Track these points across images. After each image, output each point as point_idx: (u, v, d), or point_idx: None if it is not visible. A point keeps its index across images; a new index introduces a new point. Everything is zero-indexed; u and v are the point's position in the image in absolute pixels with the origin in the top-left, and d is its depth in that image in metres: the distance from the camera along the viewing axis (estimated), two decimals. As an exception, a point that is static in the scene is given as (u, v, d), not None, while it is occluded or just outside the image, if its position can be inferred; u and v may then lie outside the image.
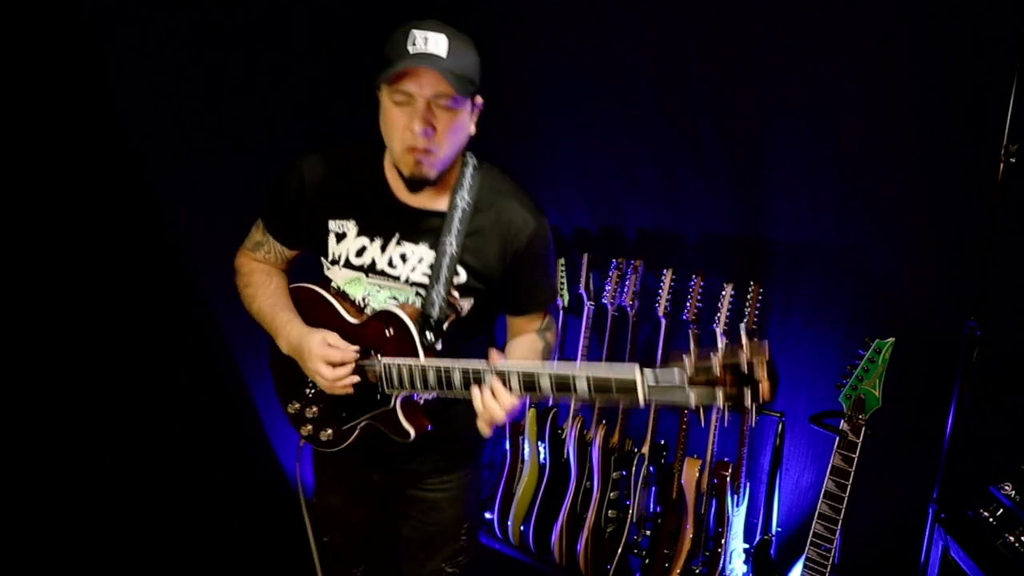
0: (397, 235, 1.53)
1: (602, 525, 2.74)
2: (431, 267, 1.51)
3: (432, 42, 1.37)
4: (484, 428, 1.36)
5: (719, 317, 2.43)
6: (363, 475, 1.77)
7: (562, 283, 2.97)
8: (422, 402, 1.57)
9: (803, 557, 2.08)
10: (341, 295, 1.59)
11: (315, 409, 1.63)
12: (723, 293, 2.43)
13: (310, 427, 1.65)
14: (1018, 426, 2.05)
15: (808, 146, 2.39)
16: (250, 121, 2.69)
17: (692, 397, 1.10)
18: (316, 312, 1.59)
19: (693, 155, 2.64)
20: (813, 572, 2.04)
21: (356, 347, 1.50)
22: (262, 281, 1.67)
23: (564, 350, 3.03)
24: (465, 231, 1.51)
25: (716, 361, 1.07)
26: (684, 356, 1.11)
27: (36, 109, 2.19)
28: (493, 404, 1.32)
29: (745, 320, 2.40)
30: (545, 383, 1.29)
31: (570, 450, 2.86)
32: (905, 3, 2.11)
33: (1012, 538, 1.76)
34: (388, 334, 1.48)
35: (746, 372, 1.05)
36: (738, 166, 2.57)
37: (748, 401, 1.05)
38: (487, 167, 1.60)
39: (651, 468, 2.64)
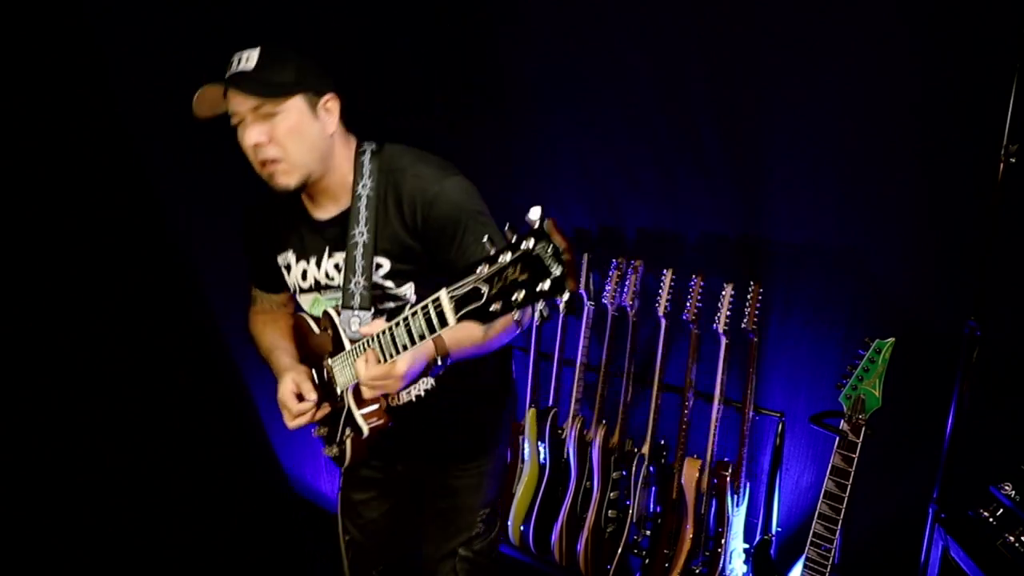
0: (327, 248, 1.58)
1: (602, 525, 2.74)
2: (345, 261, 1.53)
3: (244, 60, 1.41)
4: (365, 390, 1.38)
5: (719, 317, 2.43)
6: (387, 468, 1.82)
7: (562, 283, 2.97)
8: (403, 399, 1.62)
9: (803, 557, 2.08)
10: (315, 317, 1.66)
11: (324, 430, 1.68)
12: (723, 293, 2.43)
13: (325, 448, 1.70)
14: (1018, 426, 2.05)
15: (808, 146, 2.39)
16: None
17: (492, 302, 1.06)
18: (304, 336, 1.70)
19: (693, 155, 2.64)
20: (813, 572, 2.04)
21: (314, 392, 1.56)
22: (260, 329, 1.79)
23: (564, 350, 3.03)
24: (371, 218, 1.50)
25: (506, 256, 1.04)
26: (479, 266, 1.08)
27: (37, 109, 2.19)
28: (363, 372, 1.33)
29: (745, 320, 2.40)
30: (382, 337, 1.29)
31: (570, 450, 2.86)
32: (905, 3, 2.11)
33: (1012, 538, 1.76)
34: (328, 333, 1.55)
35: (531, 250, 1.00)
36: (738, 166, 2.57)
37: (545, 287, 0.99)
38: (387, 149, 1.56)
39: (651, 468, 2.64)
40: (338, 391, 1.55)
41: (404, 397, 1.65)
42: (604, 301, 2.78)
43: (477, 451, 1.80)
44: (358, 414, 1.51)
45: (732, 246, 2.65)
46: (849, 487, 1.95)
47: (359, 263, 1.51)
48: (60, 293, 2.32)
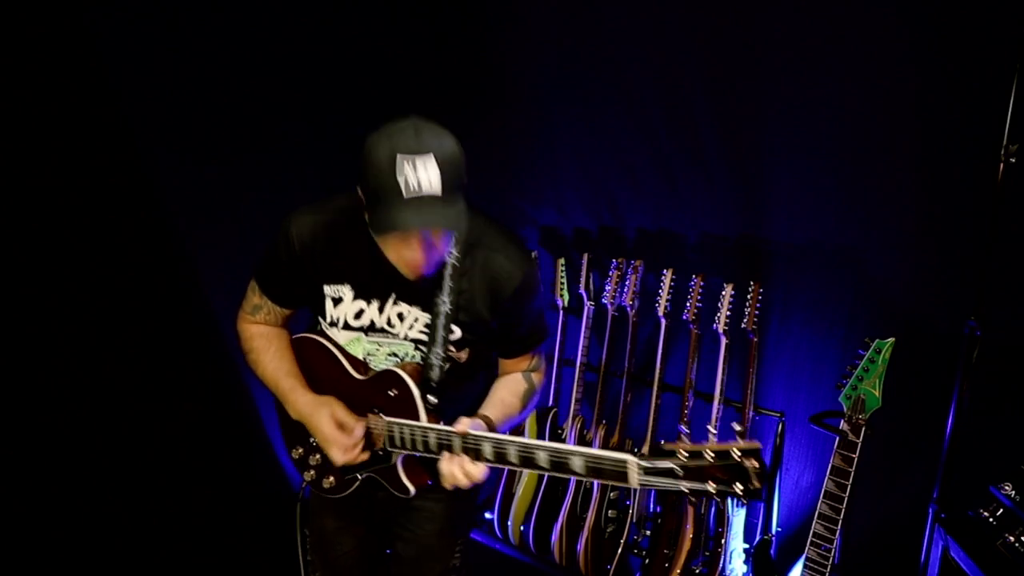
0: (393, 296, 1.55)
1: (602, 525, 2.74)
2: (427, 327, 1.53)
3: (424, 178, 1.28)
4: (446, 484, 1.45)
5: (719, 317, 2.43)
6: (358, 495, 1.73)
7: (562, 283, 2.97)
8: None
9: (803, 557, 2.08)
10: (344, 351, 1.62)
11: (318, 457, 1.66)
12: (723, 293, 2.43)
13: (313, 473, 1.68)
14: (1018, 426, 2.05)
15: (808, 146, 2.39)
16: (251, 121, 2.69)
17: (684, 486, 1.15)
18: (322, 366, 1.62)
19: (693, 155, 2.65)
20: (813, 572, 2.04)
21: (363, 426, 1.55)
22: (263, 347, 1.67)
23: (564, 350, 3.03)
24: (456, 289, 1.51)
25: (708, 455, 1.13)
26: (678, 445, 1.16)
27: (36, 109, 2.19)
28: (459, 473, 1.41)
29: (745, 320, 2.41)
30: (526, 459, 1.34)
31: (570, 450, 2.86)
32: (905, 3, 2.11)
33: (1012, 538, 1.76)
34: (392, 394, 1.52)
35: (736, 461, 1.11)
36: (738, 166, 2.57)
37: (738, 490, 1.11)
38: (471, 217, 1.44)
39: (651, 468, 2.63)
40: (382, 446, 1.55)
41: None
42: (604, 301, 2.78)
43: None
44: (406, 480, 1.55)
45: (732, 246, 2.65)
46: (849, 487, 1.95)
47: (440, 333, 1.52)
48: (60, 293, 2.32)
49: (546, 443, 1.31)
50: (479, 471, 1.39)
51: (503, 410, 1.57)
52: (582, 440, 2.85)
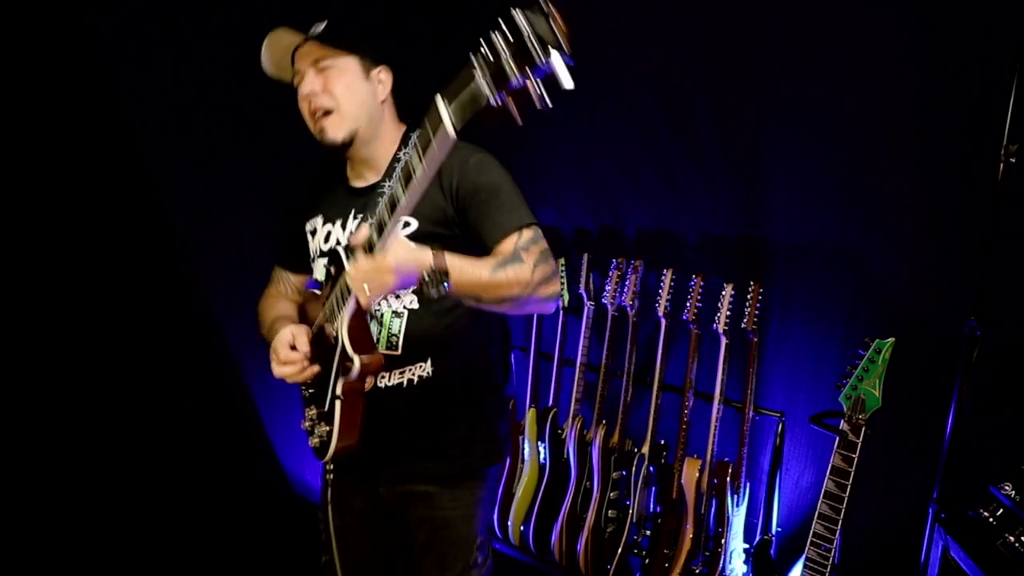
0: (353, 211, 1.61)
1: (602, 525, 2.74)
2: (369, 209, 1.53)
3: (313, 28, 1.56)
4: (359, 297, 1.33)
5: (719, 317, 2.43)
6: (370, 493, 1.73)
7: (562, 283, 2.98)
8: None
9: (803, 557, 2.08)
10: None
11: (313, 410, 1.63)
12: (723, 293, 2.43)
13: (315, 438, 1.64)
14: (1018, 426, 2.05)
15: (808, 146, 2.39)
16: (251, 121, 2.69)
17: (488, 84, 1.00)
18: (309, 310, 1.67)
19: (693, 155, 2.65)
20: (813, 572, 2.04)
21: (307, 348, 1.53)
22: (269, 305, 1.78)
23: (564, 350, 3.03)
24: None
25: (496, 35, 0.98)
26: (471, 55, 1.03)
27: (36, 109, 2.19)
28: (352, 270, 1.29)
29: (745, 320, 2.41)
30: (392, 197, 1.22)
31: (570, 450, 2.86)
32: (905, 3, 2.11)
33: (1012, 538, 1.76)
34: (332, 272, 1.50)
35: (526, 26, 0.95)
36: (738, 166, 2.57)
37: (534, 51, 0.94)
38: None
39: (651, 468, 2.64)
40: (332, 330, 1.48)
41: (394, 378, 1.58)
42: (604, 301, 2.78)
43: (470, 476, 1.69)
44: (347, 341, 1.41)
45: (732, 246, 2.65)
46: (849, 487, 1.95)
47: (380, 209, 1.44)
48: (60, 293, 2.32)
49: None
50: (366, 262, 1.26)
51: (467, 261, 1.37)
52: (582, 440, 2.85)
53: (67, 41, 2.24)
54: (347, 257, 1.42)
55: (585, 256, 2.88)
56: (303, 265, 1.74)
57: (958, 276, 2.13)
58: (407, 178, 1.19)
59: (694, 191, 2.70)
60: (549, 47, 0.94)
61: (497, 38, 0.98)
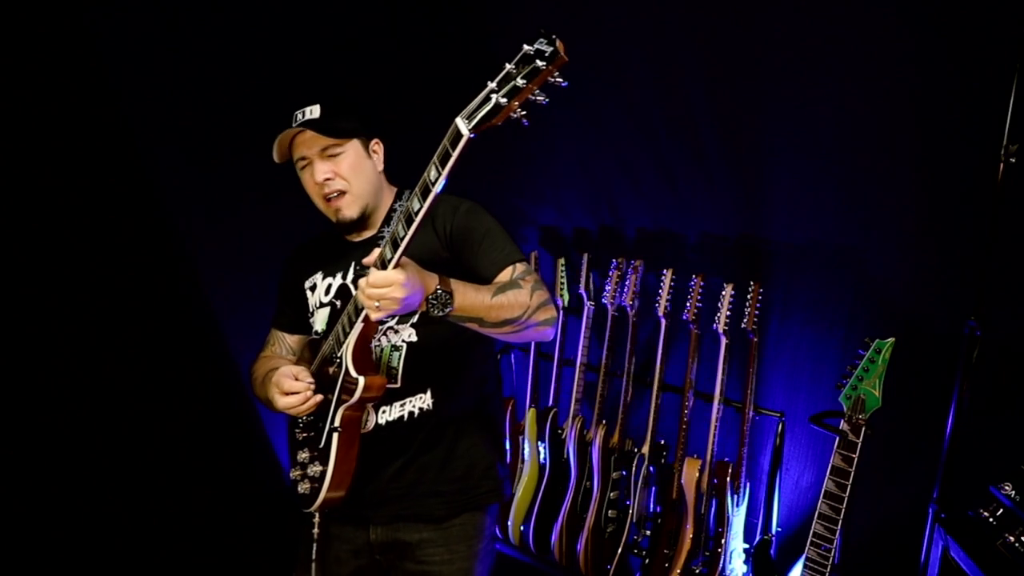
0: (353, 264, 1.68)
1: (602, 525, 2.74)
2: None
3: (308, 112, 1.63)
4: (371, 313, 1.35)
5: (719, 317, 2.43)
6: (360, 538, 1.67)
7: (562, 283, 2.98)
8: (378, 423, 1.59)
9: (803, 557, 2.08)
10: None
11: (305, 453, 1.61)
12: (723, 293, 2.43)
13: (305, 483, 1.60)
14: (1018, 426, 2.05)
15: (808, 146, 2.39)
16: (251, 121, 2.69)
17: (502, 98, 1.17)
18: (308, 355, 1.75)
19: (693, 155, 2.65)
20: (813, 572, 2.04)
21: (310, 379, 1.58)
22: (259, 365, 1.78)
23: (564, 350, 3.03)
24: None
25: (508, 65, 1.17)
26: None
27: (36, 109, 2.19)
28: (365, 285, 1.32)
29: (745, 320, 2.41)
30: (407, 211, 1.31)
31: (570, 450, 2.86)
32: (905, 3, 2.11)
33: (1012, 538, 1.76)
34: (338, 306, 1.60)
35: (531, 51, 1.14)
36: (738, 166, 2.57)
37: (542, 65, 1.13)
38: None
39: (651, 468, 2.64)
40: (335, 357, 1.53)
41: (395, 412, 1.59)
42: (604, 301, 2.78)
43: (465, 508, 1.64)
44: (351, 362, 1.45)
45: (732, 246, 2.65)
46: (849, 487, 1.95)
47: (388, 255, 1.49)
48: (60, 293, 2.32)
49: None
50: (380, 275, 1.29)
51: (470, 288, 1.42)
52: (582, 440, 2.85)
53: (67, 41, 2.23)
54: (356, 287, 1.47)
55: (585, 256, 2.88)
56: (301, 325, 1.78)
57: (958, 276, 2.13)
58: (424, 191, 1.27)
59: (694, 191, 2.71)
60: (552, 63, 1.14)
61: (510, 66, 1.17)
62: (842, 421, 1.99)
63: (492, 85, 1.18)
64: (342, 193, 1.62)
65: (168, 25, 2.44)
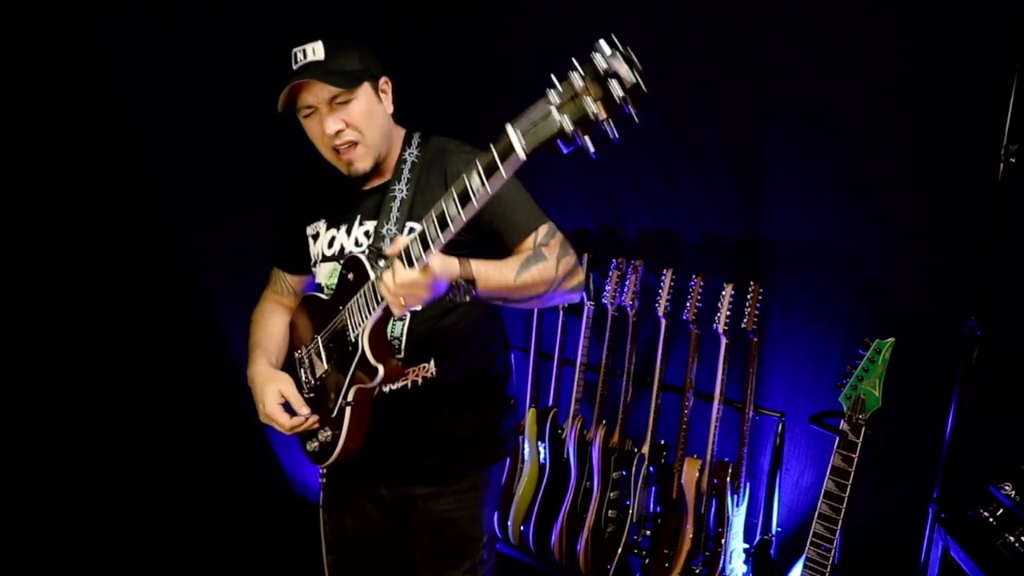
0: (359, 217, 1.62)
1: (602, 525, 2.74)
2: (378, 207, 1.56)
3: (309, 51, 1.49)
4: (393, 309, 1.33)
5: (719, 317, 2.43)
6: (371, 491, 1.73)
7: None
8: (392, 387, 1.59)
9: (803, 557, 2.08)
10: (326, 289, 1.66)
11: (314, 418, 1.62)
12: (723, 293, 2.43)
13: (314, 442, 1.63)
14: (1018, 426, 2.05)
15: (808, 146, 2.39)
16: (251, 121, 2.69)
17: (565, 120, 1.01)
18: (307, 317, 1.69)
19: (693, 155, 2.64)
20: (813, 572, 2.04)
21: (306, 409, 1.57)
22: (258, 319, 1.77)
23: (564, 350, 3.03)
24: (414, 182, 1.55)
25: (576, 76, 1.00)
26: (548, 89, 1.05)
27: (36, 108, 2.19)
28: (390, 282, 1.28)
29: (745, 320, 2.40)
30: (443, 214, 1.21)
31: (570, 450, 2.86)
32: (905, 3, 2.11)
33: (1012, 538, 1.76)
34: (350, 278, 1.51)
35: (607, 69, 0.97)
36: (738, 166, 2.57)
37: (617, 93, 0.96)
38: (434, 136, 1.65)
39: (651, 468, 2.64)
40: (350, 337, 1.50)
41: (399, 382, 1.59)
42: (604, 301, 2.78)
43: (474, 475, 1.69)
44: (370, 354, 1.45)
45: (732, 246, 2.65)
46: (849, 487, 1.95)
47: (394, 214, 1.52)
48: (60, 293, 2.32)
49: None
50: (408, 275, 1.25)
51: (492, 267, 1.40)
52: (582, 440, 2.85)
53: (67, 41, 2.24)
54: (372, 264, 1.46)
55: (585, 256, 2.88)
56: (303, 267, 1.74)
57: (958, 276, 2.13)
58: (464, 199, 1.18)
59: (694, 191, 2.70)
60: (634, 98, 0.97)
61: (578, 79, 1.00)
62: (842, 421, 1.99)
63: (554, 99, 1.03)
64: (354, 144, 1.51)
65: (168, 25, 2.44)
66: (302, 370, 1.70)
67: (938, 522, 2.01)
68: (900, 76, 2.18)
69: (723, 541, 2.46)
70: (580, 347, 2.89)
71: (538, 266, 1.42)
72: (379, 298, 1.38)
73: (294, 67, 1.50)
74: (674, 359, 2.69)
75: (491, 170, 1.13)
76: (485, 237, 1.52)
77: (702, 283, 2.50)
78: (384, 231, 1.53)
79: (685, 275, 2.55)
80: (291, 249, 1.75)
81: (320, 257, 1.66)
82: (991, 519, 1.83)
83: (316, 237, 1.68)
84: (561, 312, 3.00)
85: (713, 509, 2.49)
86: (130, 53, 2.37)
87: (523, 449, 3.01)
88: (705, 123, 2.57)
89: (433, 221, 1.23)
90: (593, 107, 0.98)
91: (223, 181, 2.66)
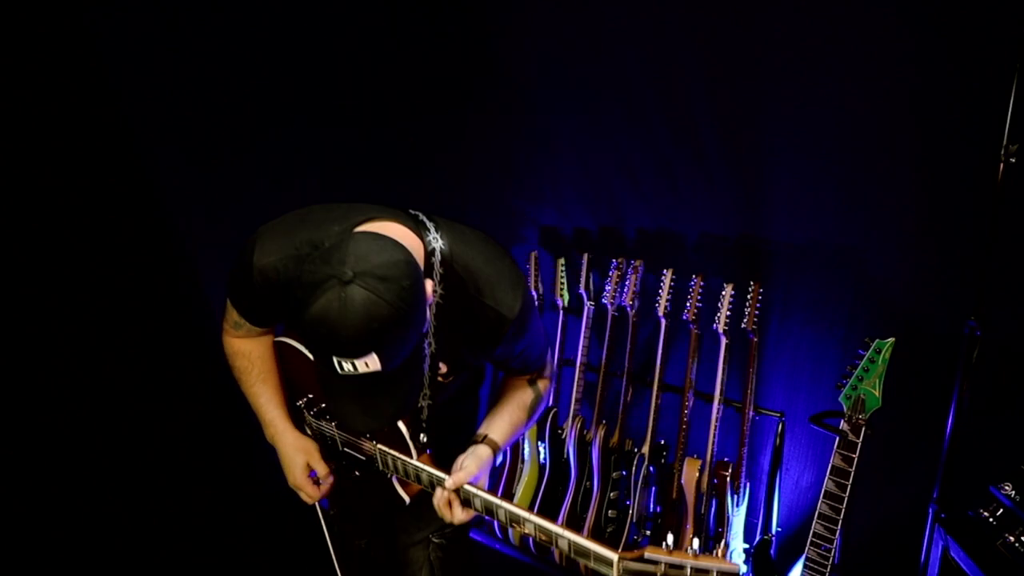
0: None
1: (602, 525, 2.74)
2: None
3: (361, 367, 1.16)
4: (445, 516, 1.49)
5: (719, 317, 2.43)
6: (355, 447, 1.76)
7: (562, 283, 2.97)
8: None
9: (803, 557, 2.08)
10: None
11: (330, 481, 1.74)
12: (723, 293, 2.43)
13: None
14: (1018, 426, 2.05)
15: (808, 146, 2.39)
16: (251, 121, 2.69)
17: None
18: (299, 366, 1.65)
19: (693, 155, 2.65)
20: (813, 572, 2.04)
21: (330, 481, 1.65)
22: (245, 368, 1.70)
23: (564, 350, 3.03)
24: (440, 329, 1.44)
25: (688, 570, 1.14)
26: (663, 550, 1.19)
27: (37, 110, 2.19)
28: (446, 512, 1.47)
29: (745, 320, 2.41)
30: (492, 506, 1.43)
31: (570, 450, 2.86)
32: (905, 3, 2.11)
33: (1012, 538, 1.76)
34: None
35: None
36: (738, 166, 2.57)
37: None
38: (453, 244, 1.41)
39: (651, 468, 2.64)
40: (377, 466, 1.60)
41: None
42: (604, 301, 2.78)
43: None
44: (403, 493, 1.61)
45: (732, 246, 2.65)
46: (849, 487, 1.95)
47: (425, 375, 1.49)
48: (59, 293, 2.32)
49: (534, 517, 1.37)
50: (464, 516, 1.47)
51: (509, 428, 1.59)
52: (582, 440, 2.85)
53: (67, 41, 2.23)
54: (389, 468, 1.58)
55: (585, 256, 2.88)
56: (273, 322, 1.69)
57: (958, 276, 2.13)
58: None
59: (694, 191, 2.70)
60: None
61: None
62: (842, 421, 1.99)
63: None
64: None
65: (168, 25, 2.44)
66: (306, 426, 1.77)
67: (938, 522, 2.01)
68: (900, 76, 2.18)
69: (723, 541, 2.46)
70: (580, 347, 2.89)
71: (538, 406, 1.64)
72: (420, 481, 1.53)
73: (338, 371, 1.17)
74: (674, 359, 2.69)
75: (580, 554, 1.31)
76: (483, 365, 1.64)
77: (702, 283, 2.50)
78: (421, 399, 1.49)
79: (685, 275, 2.55)
80: (267, 314, 1.60)
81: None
82: (991, 519, 1.83)
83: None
84: (561, 312, 3.00)
85: (713, 509, 2.49)
86: (130, 53, 2.37)
87: (523, 449, 3.01)
88: (705, 123, 2.57)
89: (498, 500, 1.44)
90: None
91: (223, 181, 2.66)
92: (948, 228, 2.19)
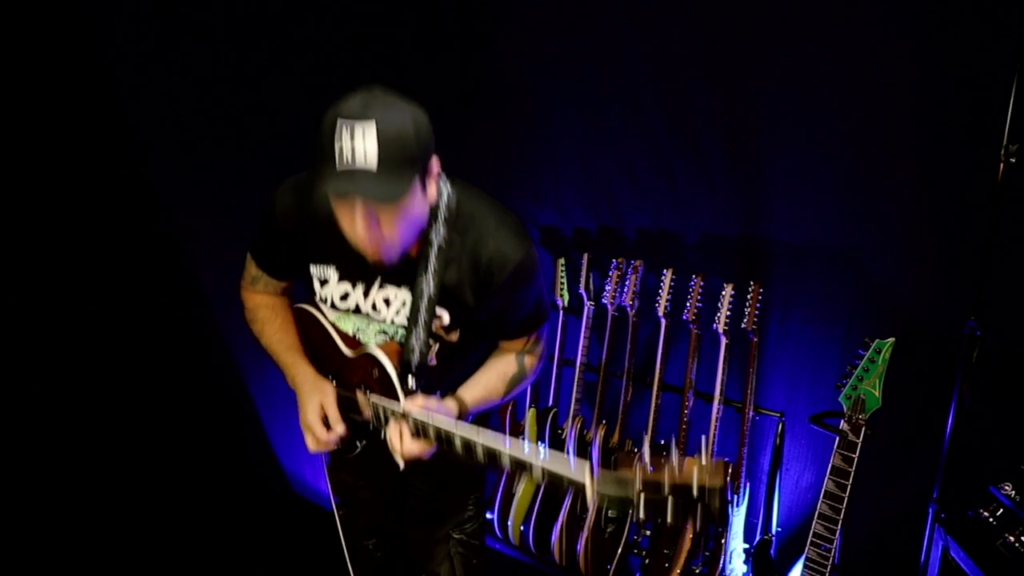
0: (379, 279, 1.55)
1: (602, 525, 2.74)
2: (410, 311, 1.52)
3: (360, 149, 1.22)
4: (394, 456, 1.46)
5: (719, 317, 2.43)
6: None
7: (562, 283, 2.97)
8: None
9: (803, 557, 2.08)
10: (335, 326, 1.65)
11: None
12: (723, 293, 2.43)
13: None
14: (1018, 426, 2.05)
15: (808, 146, 2.39)
16: (251, 120, 2.69)
17: (641, 510, 1.10)
18: (316, 339, 1.68)
19: (693, 155, 2.65)
20: (813, 572, 2.04)
21: (341, 427, 1.57)
22: (267, 317, 1.71)
23: (564, 350, 3.03)
24: (441, 270, 1.46)
25: (666, 480, 1.09)
26: (637, 464, 1.16)
27: (35, 108, 2.19)
28: (396, 442, 1.43)
29: (745, 320, 2.41)
30: (471, 452, 1.35)
31: (570, 450, 2.86)
32: (905, 3, 2.11)
33: (1012, 538, 1.76)
34: (374, 375, 1.54)
35: (695, 496, 1.06)
36: (738, 166, 2.57)
37: (697, 524, 1.11)
38: (462, 194, 1.49)
39: (651, 468, 2.63)
40: (374, 423, 1.58)
41: None
42: (604, 301, 2.78)
43: None
44: (398, 458, 1.52)
45: (732, 246, 2.65)
46: (849, 487, 1.95)
47: (422, 316, 1.48)
48: (59, 293, 2.32)
49: (497, 444, 1.30)
50: (415, 448, 1.41)
51: (483, 393, 1.58)
52: (582, 440, 2.85)
53: (67, 41, 2.24)
54: (383, 421, 1.52)
55: (585, 256, 2.88)
56: (292, 275, 1.69)
57: (958, 276, 2.13)
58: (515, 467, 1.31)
59: (694, 191, 2.70)
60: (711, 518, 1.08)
61: (668, 494, 1.09)
62: (842, 421, 1.99)
63: (640, 495, 1.13)
64: (383, 247, 1.37)
65: (168, 25, 2.44)
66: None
67: (938, 522, 2.01)
68: (900, 75, 2.18)
69: (723, 541, 2.46)
70: (580, 347, 2.89)
71: (523, 378, 1.62)
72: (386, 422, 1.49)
73: (337, 164, 1.24)
74: (674, 359, 2.69)
75: (556, 483, 1.23)
76: (482, 321, 1.57)
77: (702, 283, 2.50)
78: (413, 340, 1.50)
79: (685, 275, 2.55)
80: (285, 264, 1.65)
81: (330, 304, 1.60)
82: (991, 519, 1.83)
83: (324, 283, 1.59)
84: (561, 312, 3.00)
85: (713, 509, 2.49)
86: (130, 53, 2.37)
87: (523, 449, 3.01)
88: (705, 123, 2.57)
89: (455, 426, 1.35)
90: (670, 516, 1.09)
91: (223, 181, 2.66)
92: (948, 228, 2.19)
